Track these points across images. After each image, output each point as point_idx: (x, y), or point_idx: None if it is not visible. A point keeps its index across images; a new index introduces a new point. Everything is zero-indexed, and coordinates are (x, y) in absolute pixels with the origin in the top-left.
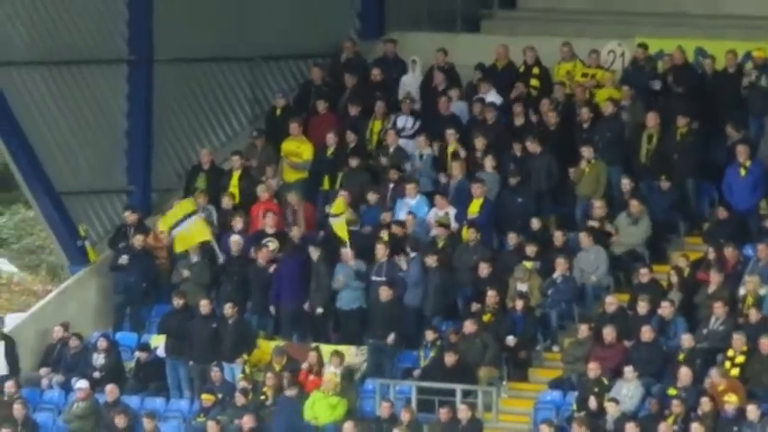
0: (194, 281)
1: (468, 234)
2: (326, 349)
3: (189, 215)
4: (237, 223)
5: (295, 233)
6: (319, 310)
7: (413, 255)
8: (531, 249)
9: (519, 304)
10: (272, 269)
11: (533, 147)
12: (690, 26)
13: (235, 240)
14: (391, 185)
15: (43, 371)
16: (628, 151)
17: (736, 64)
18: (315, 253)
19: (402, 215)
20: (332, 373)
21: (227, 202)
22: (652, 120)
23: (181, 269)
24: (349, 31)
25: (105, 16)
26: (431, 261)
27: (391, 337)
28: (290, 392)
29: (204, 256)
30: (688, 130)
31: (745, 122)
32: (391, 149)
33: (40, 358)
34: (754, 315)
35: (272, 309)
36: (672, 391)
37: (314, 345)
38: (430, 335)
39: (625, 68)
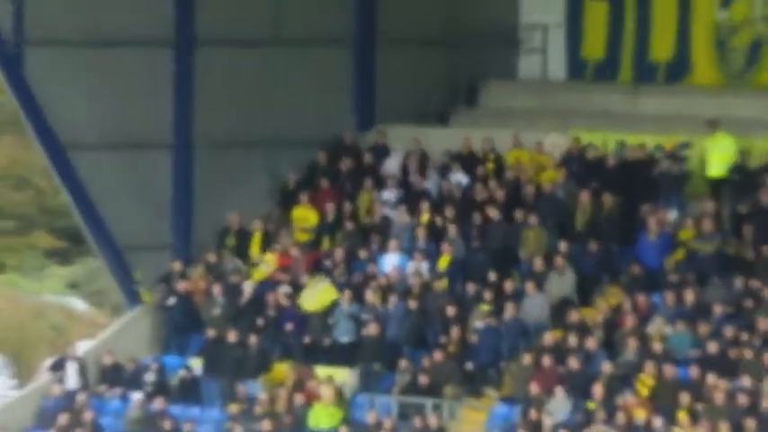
0: (223, 316)
1: (439, 284)
2: (324, 371)
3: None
4: (257, 273)
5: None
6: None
7: (395, 300)
8: (488, 296)
9: (476, 338)
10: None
11: (494, 213)
12: (613, 122)
13: (248, 285)
14: (375, 246)
15: (101, 388)
16: (565, 220)
17: (646, 154)
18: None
19: (387, 268)
20: (329, 389)
21: (254, 257)
22: (585, 197)
23: (212, 308)
24: (347, 121)
25: (151, 105)
26: (412, 305)
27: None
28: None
29: (230, 297)
30: (612, 205)
31: (655, 200)
32: (377, 217)
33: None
34: (658, 347)
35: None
36: (591, 406)
37: (315, 368)
38: (403, 363)
39: (563, 155)
